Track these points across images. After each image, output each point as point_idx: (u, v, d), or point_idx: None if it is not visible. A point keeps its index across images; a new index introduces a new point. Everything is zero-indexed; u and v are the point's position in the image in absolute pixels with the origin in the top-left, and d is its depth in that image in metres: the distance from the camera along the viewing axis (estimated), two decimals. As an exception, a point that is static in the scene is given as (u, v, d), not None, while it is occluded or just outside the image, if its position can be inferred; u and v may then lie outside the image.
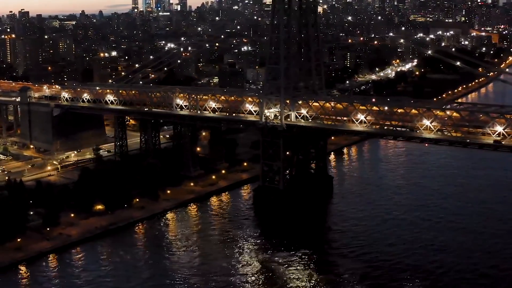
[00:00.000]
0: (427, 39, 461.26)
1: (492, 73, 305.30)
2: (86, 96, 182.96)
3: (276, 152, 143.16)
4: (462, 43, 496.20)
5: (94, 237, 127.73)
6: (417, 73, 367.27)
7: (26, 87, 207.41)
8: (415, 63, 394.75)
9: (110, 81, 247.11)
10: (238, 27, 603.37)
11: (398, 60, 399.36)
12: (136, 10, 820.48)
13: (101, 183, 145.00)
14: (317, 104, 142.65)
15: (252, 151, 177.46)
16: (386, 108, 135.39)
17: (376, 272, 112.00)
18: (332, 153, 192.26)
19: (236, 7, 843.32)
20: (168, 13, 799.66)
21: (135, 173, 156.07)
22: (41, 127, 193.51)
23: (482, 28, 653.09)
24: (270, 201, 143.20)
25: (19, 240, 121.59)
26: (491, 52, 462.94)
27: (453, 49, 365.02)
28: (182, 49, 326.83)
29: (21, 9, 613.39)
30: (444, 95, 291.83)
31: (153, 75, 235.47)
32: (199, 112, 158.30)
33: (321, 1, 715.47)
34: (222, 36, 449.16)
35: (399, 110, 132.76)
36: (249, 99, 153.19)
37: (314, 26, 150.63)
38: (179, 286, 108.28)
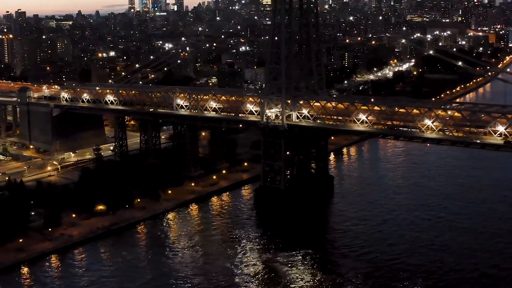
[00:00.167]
0: (428, 39, 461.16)
1: (492, 73, 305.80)
2: (85, 96, 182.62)
3: (277, 152, 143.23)
4: (459, 43, 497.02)
5: (96, 238, 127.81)
6: (415, 73, 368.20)
7: (25, 87, 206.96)
8: (412, 63, 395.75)
9: (110, 81, 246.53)
10: (236, 27, 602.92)
11: (395, 60, 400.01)
12: (132, 10, 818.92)
13: (102, 183, 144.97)
14: (318, 104, 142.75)
15: (252, 151, 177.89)
16: (387, 108, 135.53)
17: (377, 272, 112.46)
18: (332, 153, 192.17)
19: (232, 7, 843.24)
20: (165, 13, 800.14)
21: (135, 173, 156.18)
22: (40, 128, 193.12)
23: (479, 28, 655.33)
24: (271, 201, 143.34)
25: (20, 240, 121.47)
26: (488, 52, 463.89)
27: (454, 49, 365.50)
28: (180, 49, 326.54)
29: (18, 9, 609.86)
30: (442, 95, 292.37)
31: (152, 75, 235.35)
32: (199, 112, 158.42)
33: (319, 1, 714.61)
34: (222, 36, 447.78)
35: (401, 110, 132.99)
36: (250, 99, 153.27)
37: (314, 26, 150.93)
38: (182, 286, 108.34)
